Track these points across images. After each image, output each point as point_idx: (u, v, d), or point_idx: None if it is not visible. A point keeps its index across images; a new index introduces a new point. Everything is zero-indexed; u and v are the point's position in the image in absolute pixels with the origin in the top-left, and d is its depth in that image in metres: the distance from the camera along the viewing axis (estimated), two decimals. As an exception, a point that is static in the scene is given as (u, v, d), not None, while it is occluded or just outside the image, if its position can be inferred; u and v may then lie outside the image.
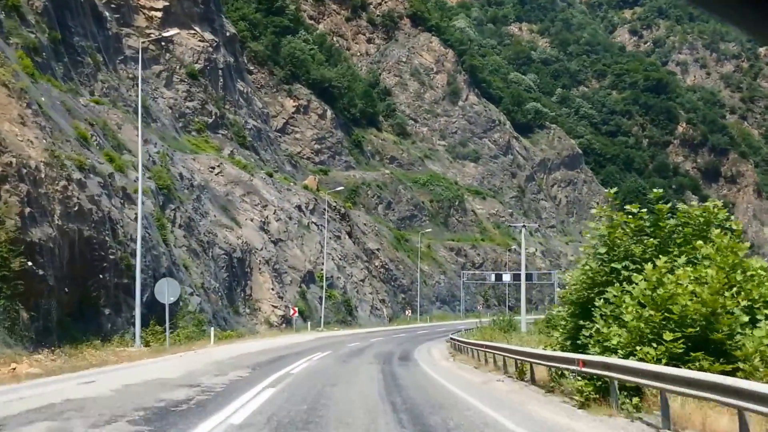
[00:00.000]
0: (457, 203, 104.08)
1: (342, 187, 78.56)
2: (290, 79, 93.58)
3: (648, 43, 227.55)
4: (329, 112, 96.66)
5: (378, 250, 75.21)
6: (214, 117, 64.70)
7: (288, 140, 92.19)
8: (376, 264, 73.86)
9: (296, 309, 48.46)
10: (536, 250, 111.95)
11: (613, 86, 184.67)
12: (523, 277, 54.96)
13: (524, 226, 58.94)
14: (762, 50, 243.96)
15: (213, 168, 53.23)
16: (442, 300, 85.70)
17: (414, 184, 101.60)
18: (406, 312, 73.59)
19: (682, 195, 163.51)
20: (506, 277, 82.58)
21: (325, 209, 65.05)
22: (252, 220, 52.51)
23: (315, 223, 62.49)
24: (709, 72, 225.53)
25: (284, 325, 47.22)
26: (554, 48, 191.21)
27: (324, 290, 54.52)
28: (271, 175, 63.54)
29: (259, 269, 48.66)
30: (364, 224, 78.13)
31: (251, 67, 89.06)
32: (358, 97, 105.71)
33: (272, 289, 48.75)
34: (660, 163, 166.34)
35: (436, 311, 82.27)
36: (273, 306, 48.13)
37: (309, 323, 50.21)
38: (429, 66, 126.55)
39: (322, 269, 55.94)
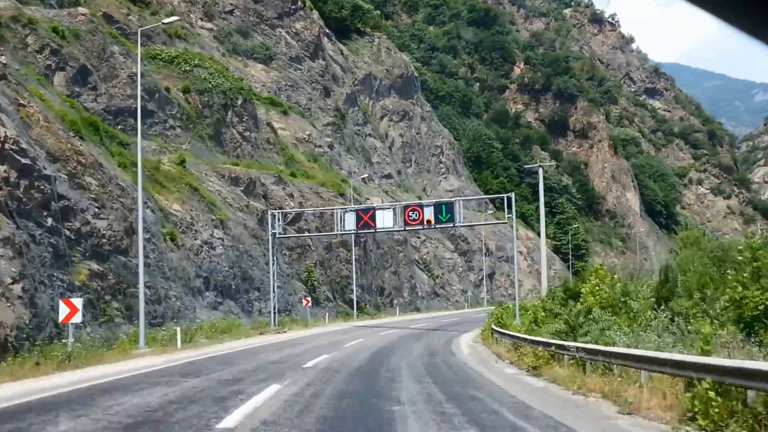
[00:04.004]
0: (240, 103, 52.63)
1: None
2: None
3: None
4: None
5: (15, 129, 21.62)
6: None
7: None
8: (14, 168, 20.49)
9: None
10: (383, 201, 64.11)
11: (430, 20, 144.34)
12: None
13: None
14: (567, 11, 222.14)
15: None
16: (223, 287, 33.73)
17: (153, 61, 48.53)
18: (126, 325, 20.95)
19: (530, 150, 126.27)
20: (386, 219, 32.88)
21: None
22: None
23: None
24: (518, 30, 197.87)
25: None
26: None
27: None
28: None
29: None
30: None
31: None
32: None
33: None
34: (498, 111, 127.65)
35: (210, 313, 30.25)
36: None
37: None
38: None
39: None
